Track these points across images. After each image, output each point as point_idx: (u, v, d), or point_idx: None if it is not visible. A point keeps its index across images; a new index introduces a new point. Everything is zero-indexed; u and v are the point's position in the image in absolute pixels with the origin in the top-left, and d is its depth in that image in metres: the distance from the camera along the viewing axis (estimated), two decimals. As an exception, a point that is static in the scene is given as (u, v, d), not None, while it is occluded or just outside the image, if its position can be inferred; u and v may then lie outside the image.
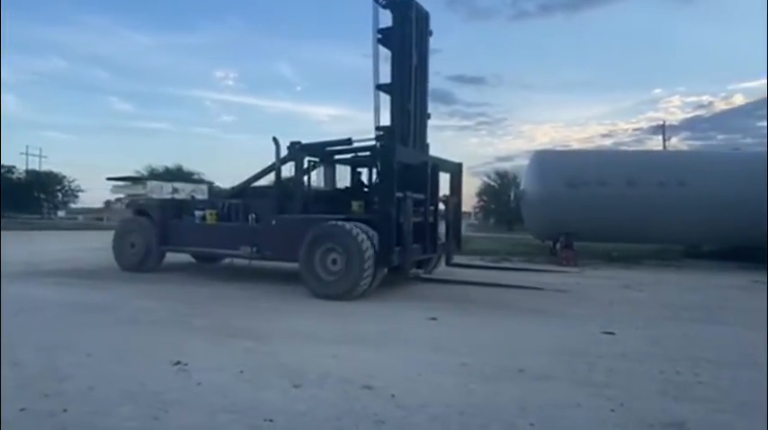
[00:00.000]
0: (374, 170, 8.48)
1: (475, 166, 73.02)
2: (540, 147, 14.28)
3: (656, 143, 37.84)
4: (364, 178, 9.13)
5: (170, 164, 41.55)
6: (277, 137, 8.48)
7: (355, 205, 8.13)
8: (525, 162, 16.30)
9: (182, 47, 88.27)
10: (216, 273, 10.10)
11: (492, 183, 41.13)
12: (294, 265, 8.00)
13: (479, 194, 42.20)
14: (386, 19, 8.29)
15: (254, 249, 8.47)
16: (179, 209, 10.24)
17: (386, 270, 7.58)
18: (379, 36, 8.24)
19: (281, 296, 7.53)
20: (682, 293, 8.52)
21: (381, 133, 8.12)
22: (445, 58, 62.83)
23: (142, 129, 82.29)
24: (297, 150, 8.46)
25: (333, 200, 8.51)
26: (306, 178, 8.56)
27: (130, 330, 5.29)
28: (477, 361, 4.30)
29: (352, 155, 8.60)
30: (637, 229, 13.29)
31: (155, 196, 11.94)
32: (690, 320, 6.25)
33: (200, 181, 18.39)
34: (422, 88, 8.57)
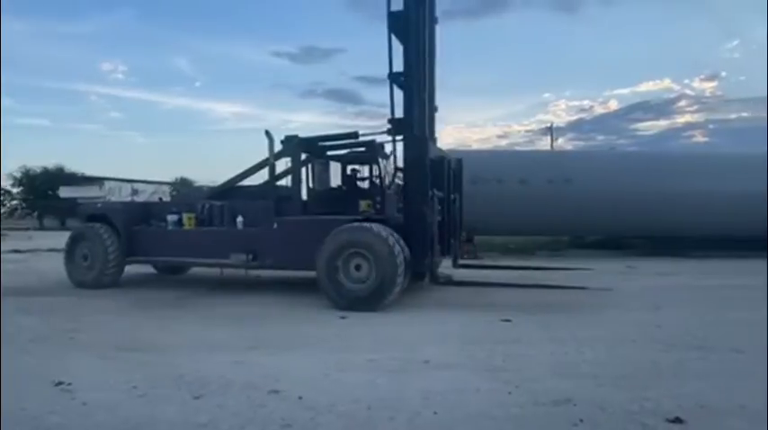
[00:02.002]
0: (374, 167, 7.79)
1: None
2: (443, 148, 14.68)
3: (545, 143, 41.03)
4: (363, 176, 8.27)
5: (49, 164, 37.13)
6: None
7: (363, 204, 7.45)
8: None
9: (62, 35, 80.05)
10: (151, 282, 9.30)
11: (400, 182, 42.01)
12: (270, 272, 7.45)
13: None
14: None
15: (250, 257, 7.39)
16: (146, 213, 8.68)
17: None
18: (390, 21, 7.31)
19: (208, 303, 7.12)
20: (569, 278, 9.27)
21: (390, 126, 7.34)
22: (351, 58, 63.39)
23: (17, 126, 73.57)
24: (294, 145, 7.63)
25: (335, 199, 7.82)
26: (305, 175, 7.78)
27: (6, 351, 4.70)
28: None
29: (348, 150, 7.83)
30: (530, 223, 14.27)
31: (113, 199, 10.37)
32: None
33: (162, 182, 16.27)
34: (432, 78, 7.81)
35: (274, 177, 7.79)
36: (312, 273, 6.96)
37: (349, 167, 8.26)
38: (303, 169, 7.82)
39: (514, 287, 7.80)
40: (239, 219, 7.73)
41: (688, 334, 5.17)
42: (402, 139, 7.15)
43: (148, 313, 6.46)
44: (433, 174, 7.12)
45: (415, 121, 7.09)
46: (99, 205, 9.39)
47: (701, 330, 5.31)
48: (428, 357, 4.31)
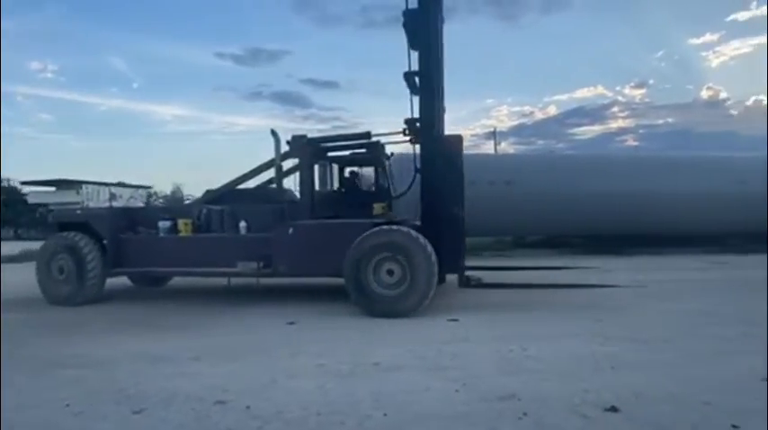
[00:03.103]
0: (380, 168, 7.58)
1: (331, 169, 73.99)
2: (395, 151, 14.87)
3: (489, 147, 42.22)
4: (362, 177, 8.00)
5: None
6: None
7: (378, 207, 7.15)
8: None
9: (-19, 32, 74.21)
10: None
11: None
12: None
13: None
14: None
15: (261, 264, 6.88)
16: (134, 220, 7.93)
17: None
18: (404, 20, 7.09)
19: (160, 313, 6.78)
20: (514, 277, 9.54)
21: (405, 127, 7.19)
22: (297, 60, 62.40)
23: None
24: (303, 146, 7.24)
25: (344, 202, 7.47)
26: (314, 177, 7.36)
27: None
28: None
29: (351, 151, 7.49)
30: (476, 224, 14.62)
31: (92, 204, 9.03)
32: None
33: (139, 186, 14.66)
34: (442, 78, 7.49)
35: (281, 179, 7.43)
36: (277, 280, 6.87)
37: (352, 169, 7.95)
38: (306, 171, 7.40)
39: (546, 288, 7.52)
40: (242, 224, 7.26)
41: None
42: (423, 141, 6.99)
43: (90, 327, 6.11)
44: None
45: (436, 122, 7.02)
46: (78, 211, 8.36)
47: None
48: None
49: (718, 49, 57.89)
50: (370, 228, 6.48)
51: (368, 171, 7.96)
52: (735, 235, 14.11)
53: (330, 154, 7.62)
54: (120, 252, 7.56)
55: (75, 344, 5.20)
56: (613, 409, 3.17)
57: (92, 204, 9.58)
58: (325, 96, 68.02)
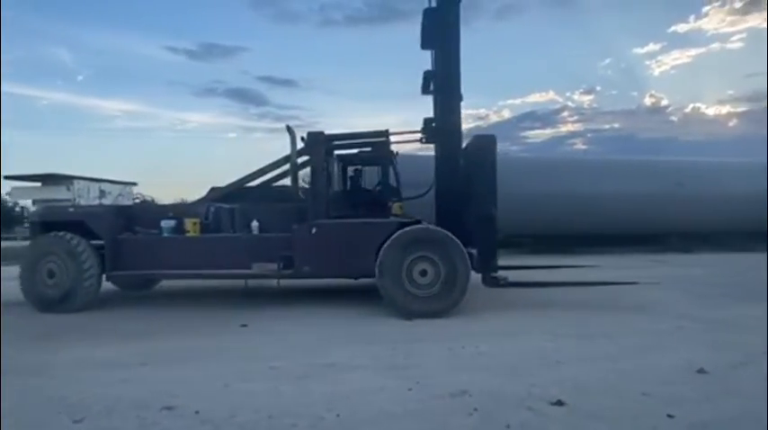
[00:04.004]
0: (390, 168, 7.37)
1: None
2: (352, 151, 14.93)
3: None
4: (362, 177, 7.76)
5: None
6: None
7: (396, 207, 7.11)
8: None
9: None
10: None
11: (306, 186, 41.63)
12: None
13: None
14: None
15: (281, 265, 6.64)
16: (133, 219, 7.39)
17: None
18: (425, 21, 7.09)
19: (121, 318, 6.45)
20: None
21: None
22: (254, 57, 60.96)
23: None
24: (320, 143, 7.02)
25: (356, 201, 7.27)
26: (329, 176, 7.15)
27: None
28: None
29: (359, 150, 7.32)
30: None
31: (83, 202, 8.30)
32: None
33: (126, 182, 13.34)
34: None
35: (297, 177, 7.24)
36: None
37: (356, 168, 7.69)
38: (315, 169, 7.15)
39: (570, 286, 7.57)
40: (254, 223, 6.98)
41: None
42: (444, 141, 7.02)
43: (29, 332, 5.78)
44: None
45: (456, 124, 6.98)
46: (71, 209, 7.69)
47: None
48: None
49: (660, 58, 60.90)
50: (396, 227, 6.41)
51: (375, 170, 7.71)
52: (676, 234, 14.89)
53: (338, 152, 7.43)
54: (119, 253, 7.02)
55: (14, 349, 4.92)
56: (559, 403, 3.29)
57: (83, 202, 8.88)
58: (283, 94, 66.69)
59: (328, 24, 54.68)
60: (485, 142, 6.88)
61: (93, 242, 7.03)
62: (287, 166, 7.40)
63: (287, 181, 7.52)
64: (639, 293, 7.23)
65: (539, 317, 6.07)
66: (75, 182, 10.90)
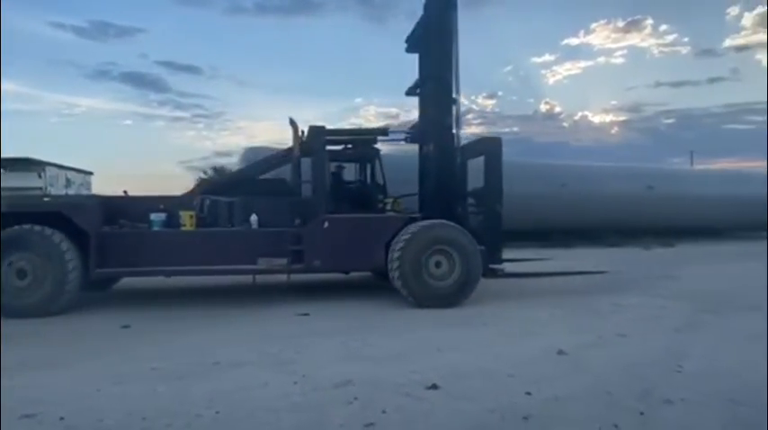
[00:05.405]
0: (375, 165, 7.64)
1: (191, 161, 68.96)
2: (258, 145, 14.51)
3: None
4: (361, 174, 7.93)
5: None
6: None
7: (395, 203, 7.33)
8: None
9: None
10: None
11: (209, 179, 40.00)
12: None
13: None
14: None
15: (290, 260, 6.47)
16: (118, 212, 6.73)
17: None
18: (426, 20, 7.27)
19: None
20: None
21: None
22: (152, 39, 56.51)
23: None
24: (322, 137, 6.99)
25: (356, 197, 7.39)
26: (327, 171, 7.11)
27: None
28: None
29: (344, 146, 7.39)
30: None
31: (53, 190, 7.23)
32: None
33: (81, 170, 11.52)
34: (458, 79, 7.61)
35: (299, 171, 7.18)
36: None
37: (340, 164, 7.80)
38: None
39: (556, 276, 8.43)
40: (254, 217, 6.70)
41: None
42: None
43: None
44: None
45: (449, 124, 7.24)
46: (46, 199, 6.89)
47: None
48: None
49: (554, 68, 65.80)
50: (406, 222, 6.70)
51: (355, 166, 7.98)
52: (558, 231, 16.22)
53: (328, 147, 7.32)
54: (106, 249, 6.32)
55: None
56: (434, 387, 3.52)
57: (53, 190, 7.78)
58: (185, 81, 62.56)
59: (237, 12, 52.56)
60: (491, 144, 7.26)
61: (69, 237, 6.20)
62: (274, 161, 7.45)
63: (272, 174, 7.59)
64: (520, 284, 7.81)
65: (431, 310, 6.36)
66: (48, 168, 9.76)
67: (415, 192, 7.88)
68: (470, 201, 7.55)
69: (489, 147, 7.22)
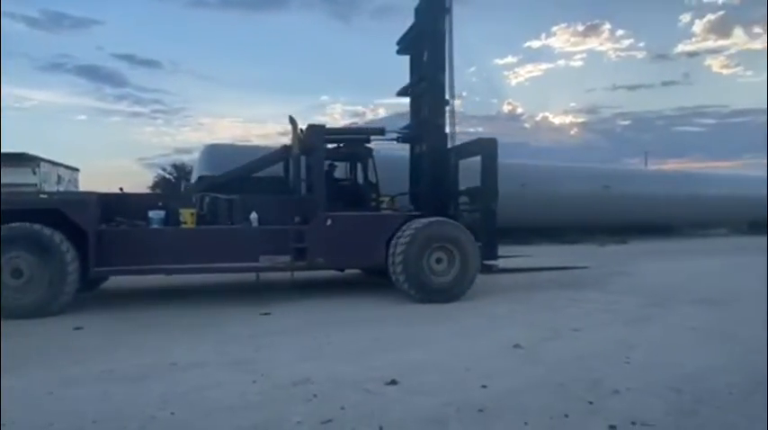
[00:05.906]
0: (360, 165, 7.87)
1: (150, 158, 66.99)
2: (220, 142, 14.29)
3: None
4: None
5: None
6: None
7: (389, 201, 7.53)
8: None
9: None
10: None
11: (168, 176, 39.05)
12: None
13: (153, 188, 39.34)
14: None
15: (293, 257, 6.50)
16: (116, 209, 6.70)
17: None
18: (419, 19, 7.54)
19: None
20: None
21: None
22: (109, 32, 54.29)
23: None
24: (321, 135, 7.10)
25: (349, 194, 7.51)
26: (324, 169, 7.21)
27: None
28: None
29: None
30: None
31: (47, 187, 7.19)
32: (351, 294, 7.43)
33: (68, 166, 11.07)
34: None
35: (299, 169, 7.23)
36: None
37: (332, 163, 7.86)
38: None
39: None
40: (253, 215, 6.70)
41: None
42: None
43: None
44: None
45: (443, 125, 7.41)
46: (43, 196, 6.72)
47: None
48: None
49: (516, 70, 67.36)
50: (405, 220, 6.86)
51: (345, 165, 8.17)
52: (519, 229, 16.60)
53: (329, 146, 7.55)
54: (106, 247, 6.17)
55: None
56: (393, 382, 3.57)
57: (46, 187, 7.56)
58: (144, 75, 60.63)
59: (200, 5, 51.29)
60: (487, 144, 7.36)
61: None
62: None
63: (269, 172, 7.66)
64: (488, 279, 7.96)
65: (398, 305, 6.42)
66: (42, 164, 9.45)
67: (405, 192, 8.13)
68: (463, 199, 7.75)
69: (485, 148, 7.37)
